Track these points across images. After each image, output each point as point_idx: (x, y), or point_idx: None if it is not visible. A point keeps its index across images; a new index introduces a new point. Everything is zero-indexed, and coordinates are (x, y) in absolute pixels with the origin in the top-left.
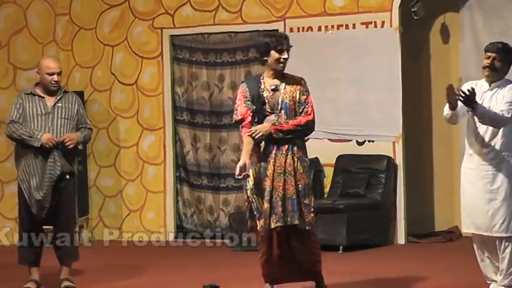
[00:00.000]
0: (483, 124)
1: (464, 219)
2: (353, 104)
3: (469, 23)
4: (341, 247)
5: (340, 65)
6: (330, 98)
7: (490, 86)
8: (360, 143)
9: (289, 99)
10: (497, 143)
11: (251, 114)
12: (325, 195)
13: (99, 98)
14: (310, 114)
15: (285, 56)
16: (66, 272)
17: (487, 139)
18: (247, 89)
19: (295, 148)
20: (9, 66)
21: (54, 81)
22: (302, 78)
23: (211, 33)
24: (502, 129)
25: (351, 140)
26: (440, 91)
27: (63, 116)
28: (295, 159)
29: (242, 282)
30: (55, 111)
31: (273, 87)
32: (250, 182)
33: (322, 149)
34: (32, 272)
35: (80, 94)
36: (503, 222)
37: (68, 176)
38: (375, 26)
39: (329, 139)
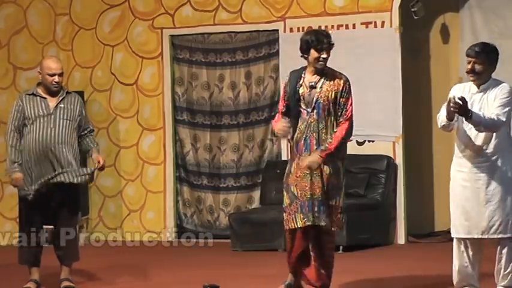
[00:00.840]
0: (479, 131)
1: (455, 223)
2: (353, 104)
3: (469, 23)
4: (341, 247)
5: (340, 65)
6: None
7: (478, 88)
8: (360, 143)
9: (324, 99)
10: (490, 145)
11: (283, 112)
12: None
13: (99, 98)
14: (347, 120)
15: (324, 55)
16: (66, 272)
17: (479, 143)
18: (288, 82)
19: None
20: (9, 66)
21: (55, 81)
22: (343, 76)
23: (211, 33)
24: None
25: (351, 140)
26: (441, 91)
27: (65, 117)
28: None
29: (242, 282)
30: (57, 112)
31: (311, 83)
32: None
33: None
34: (32, 272)
35: (80, 94)
36: (500, 224)
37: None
38: (375, 26)
39: None
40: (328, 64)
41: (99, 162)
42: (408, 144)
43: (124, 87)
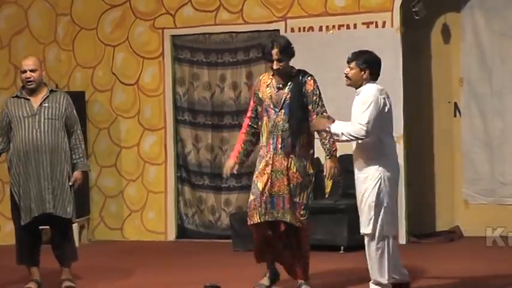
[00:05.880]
0: None
1: None
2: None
3: (470, 23)
4: (342, 247)
5: (341, 65)
6: (331, 98)
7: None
8: None
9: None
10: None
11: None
12: (326, 196)
13: (100, 98)
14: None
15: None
16: (67, 273)
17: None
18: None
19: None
20: (10, 67)
21: (26, 78)
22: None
23: (213, 34)
24: None
25: (349, 141)
26: (442, 91)
27: (49, 117)
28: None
29: (243, 282)
30: (41, 111)
31: (279, 85)
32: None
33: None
34: (32, 272)
35: (81, 94)
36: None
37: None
38: (376, 26)
39: None
40: (330, 63)
41: (75, 180)
42: (408, 144)
43: (125, 87)
